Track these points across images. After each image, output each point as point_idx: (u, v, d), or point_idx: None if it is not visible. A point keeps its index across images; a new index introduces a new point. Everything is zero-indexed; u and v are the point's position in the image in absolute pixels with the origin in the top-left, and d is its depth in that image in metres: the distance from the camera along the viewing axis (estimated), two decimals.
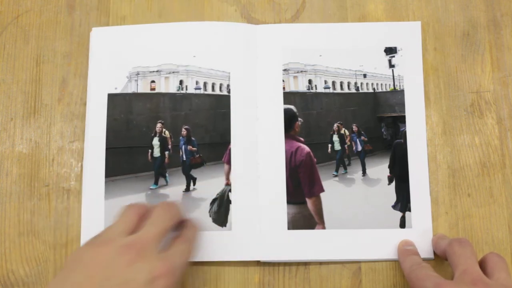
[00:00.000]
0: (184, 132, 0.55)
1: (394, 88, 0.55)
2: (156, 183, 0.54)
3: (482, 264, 0.46)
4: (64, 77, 0.55)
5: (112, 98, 0.54)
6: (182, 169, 0.54)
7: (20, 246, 0.52)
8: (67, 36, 0.56)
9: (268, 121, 0.54)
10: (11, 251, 0.52)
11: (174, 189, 0.53)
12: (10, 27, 0.57)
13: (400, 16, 0.57)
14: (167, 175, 0.54)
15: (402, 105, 0.55)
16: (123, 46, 0.56)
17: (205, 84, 0.55)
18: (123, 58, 0.55)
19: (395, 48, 0.56)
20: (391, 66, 0.56)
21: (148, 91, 0.55)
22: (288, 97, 0.55)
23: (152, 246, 0.42)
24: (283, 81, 0.55)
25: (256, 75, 0.55)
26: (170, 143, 0.54)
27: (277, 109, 0.54)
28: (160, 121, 0.55)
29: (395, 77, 0.55)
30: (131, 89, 0.55)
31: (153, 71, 0.55)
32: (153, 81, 0.55)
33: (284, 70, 0.55)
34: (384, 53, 0.56)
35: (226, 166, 0.53)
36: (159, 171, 0.54)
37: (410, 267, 0.47)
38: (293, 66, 0.55)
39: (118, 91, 0.55)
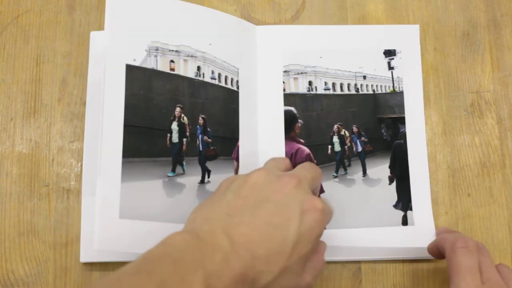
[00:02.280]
0: (201, 121, 0.53)
1: (394, 89, 0.55)
2: (173, 170, 0.51)
3: None
4: (64, 77, 0.55)
5: (131, 70, 0.50)
6: (198, 159, 0.52)
7: (20, 246, 0.52)
8: (67, 36, 0.56)
9: (268, 122, 0.54)
10: (11, 251, 0.52)
11: (190, 179, 0.51)
12: (10, 27, 0.56)
13: (400, 16, 0.57)
14: (184, 163, 0.52)
15: (401, 106, 0.55)
16: (141, 15, 0.51)
17: (219, 75, 0.54)
18: (142, 29, 0.51)
19: (394, 50, 0.56)
20: (390, 68, 0.56)
21: (168, 70, 0.52)
22: (288, 98, 0.55)
23: (307, 183, 0.42)
24: (284, 82, 0.55)
25: (256, 76, 0.55)
26: (188, 129, 0.52)
27: (278, 110, 0.54)
28: (179, 105, 0.52)
29: (394, 79, 0.55)
30: (150, 64, 0.51)
31: (172, 51, 0.52)
32: (172, 61, 0.52)
33: (285, 71, 0.55)
34: (383, 55, 0.56)
35: (235, 163, 0.53)
36: (177, 158, 0.51)
37: (454, 244, 0.45)
38: (294, 68, 0.55)
39: (137, 63, 0.51)
